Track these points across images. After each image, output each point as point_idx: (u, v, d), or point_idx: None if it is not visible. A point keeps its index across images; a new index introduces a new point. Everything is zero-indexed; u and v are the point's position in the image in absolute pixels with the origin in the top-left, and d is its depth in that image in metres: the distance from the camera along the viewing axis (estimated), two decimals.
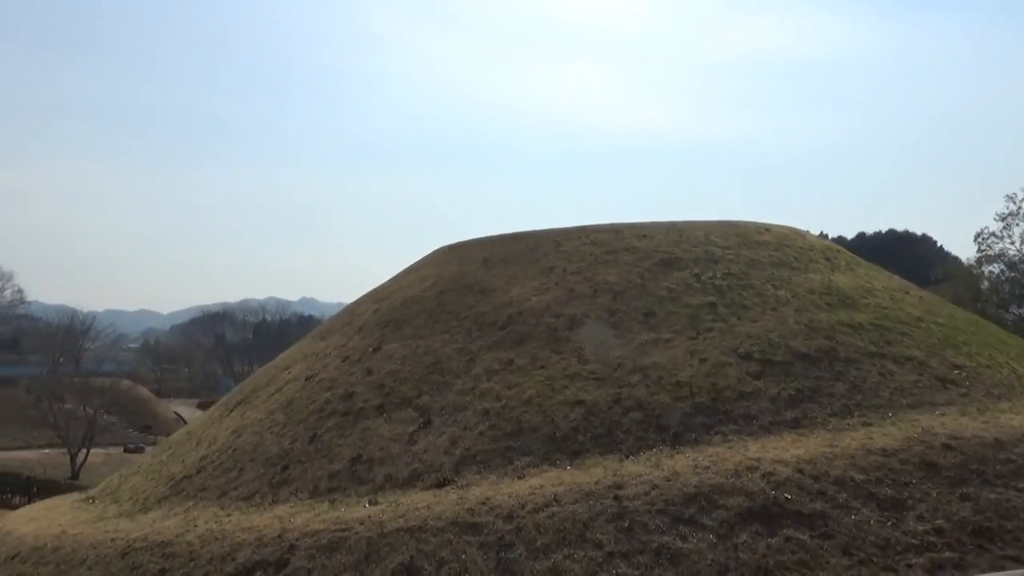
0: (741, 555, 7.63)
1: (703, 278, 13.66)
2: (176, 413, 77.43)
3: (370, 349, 13.81)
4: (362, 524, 9.05)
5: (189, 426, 16.76)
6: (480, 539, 8.37)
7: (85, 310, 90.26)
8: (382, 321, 14.76)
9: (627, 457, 9.66)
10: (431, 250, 18.53)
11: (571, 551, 7.98)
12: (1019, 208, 35.85)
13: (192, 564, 9.22)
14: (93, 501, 13.62)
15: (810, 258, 15.02)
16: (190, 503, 11.40)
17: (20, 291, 71.41)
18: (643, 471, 9.07)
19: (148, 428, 67.93)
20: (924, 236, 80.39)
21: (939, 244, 78.49)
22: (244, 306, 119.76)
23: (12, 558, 10.91)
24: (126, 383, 69.38)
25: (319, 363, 14.38)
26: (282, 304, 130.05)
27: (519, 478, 9.61)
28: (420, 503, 9.32)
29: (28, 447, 57.25)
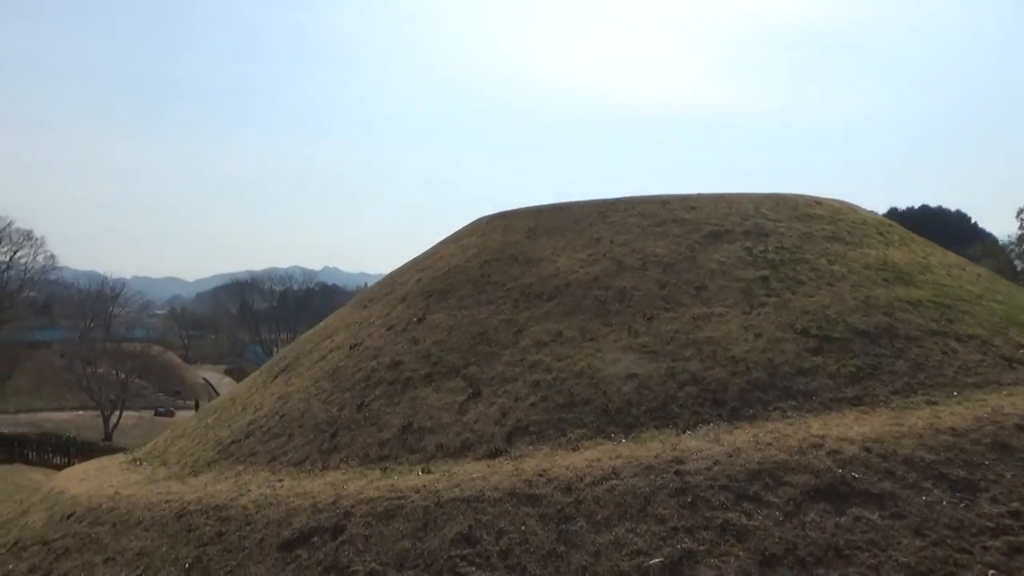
0: (809, 533, 7.48)
1: (755, 251, 13.35)
2: (204, 379, 78.79)
3: (414, 319, 13.72)
4: (417, 493, 9.02)
5: (232, 391, 16.88)
6: (539, 511, 8.30)
7: (114, 277, 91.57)
8: (425, 290, 14.65)
9: (684, 432, 9.51)
10: (455, 224, 18.38)
11: (633, 525, 7.88)
12: None
13: (248, 528, 9.26)
14: (141, 463, 13.76)
15: (864, 232, 14.62)
16: (240, 467, 11.45)
17: (52, 256, 72.34)
18: (703, 446, 8.91)
19: (178, 393, 69.31)
20: (958, 212, 78.76)
21: (973, 221, 76.94)
22: (270, 274, 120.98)
23: (68, 517, 11.06)
24: (156, 349, 70.69)
25: (363, 332, 14.32)
26: (307, 273, 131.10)
27: (573, 450, 9.51)
28: (475, 473, 9.26)
29: (61, 409, 58.79)
